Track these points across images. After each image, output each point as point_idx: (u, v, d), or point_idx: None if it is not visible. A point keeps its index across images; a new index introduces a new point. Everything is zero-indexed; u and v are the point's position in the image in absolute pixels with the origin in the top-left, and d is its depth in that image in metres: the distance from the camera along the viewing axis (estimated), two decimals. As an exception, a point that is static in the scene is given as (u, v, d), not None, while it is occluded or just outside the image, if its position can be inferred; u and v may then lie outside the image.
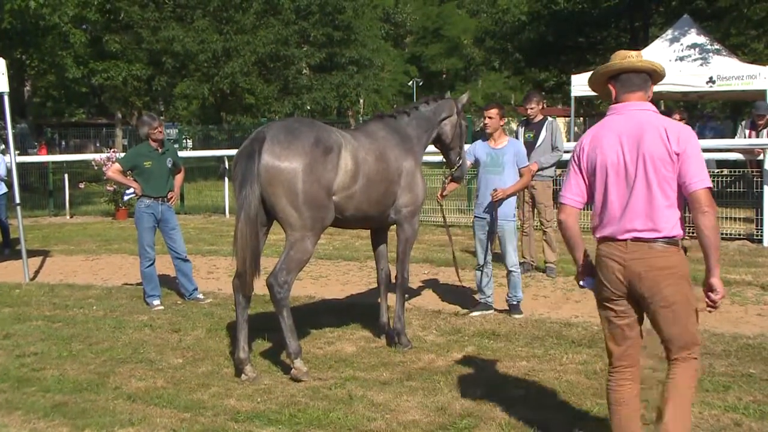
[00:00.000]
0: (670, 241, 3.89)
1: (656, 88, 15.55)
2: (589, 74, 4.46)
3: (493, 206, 7.94)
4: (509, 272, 8.08)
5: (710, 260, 3.81)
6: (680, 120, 12.90)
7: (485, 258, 8.11)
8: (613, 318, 4.07)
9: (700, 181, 3.79)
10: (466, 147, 8.08)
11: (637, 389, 4.14)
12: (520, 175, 8.06)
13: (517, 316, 7.96)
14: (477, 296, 8.37)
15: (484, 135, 8.28)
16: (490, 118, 8.06)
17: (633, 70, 4.11)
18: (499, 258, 8.31)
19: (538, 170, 9.73)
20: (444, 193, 7.96)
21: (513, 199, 8.15)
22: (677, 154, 3.84)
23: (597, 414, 5.09)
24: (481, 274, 8.14)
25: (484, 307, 8.15)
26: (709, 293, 3.85)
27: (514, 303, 8.08)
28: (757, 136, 12.38)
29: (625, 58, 4.14)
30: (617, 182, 3.97)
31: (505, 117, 8.28)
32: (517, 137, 9.85)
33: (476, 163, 8.21)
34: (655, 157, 3.87)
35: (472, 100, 56.41)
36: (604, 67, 4.21)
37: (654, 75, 4.16)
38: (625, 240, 3.92)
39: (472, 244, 9.37)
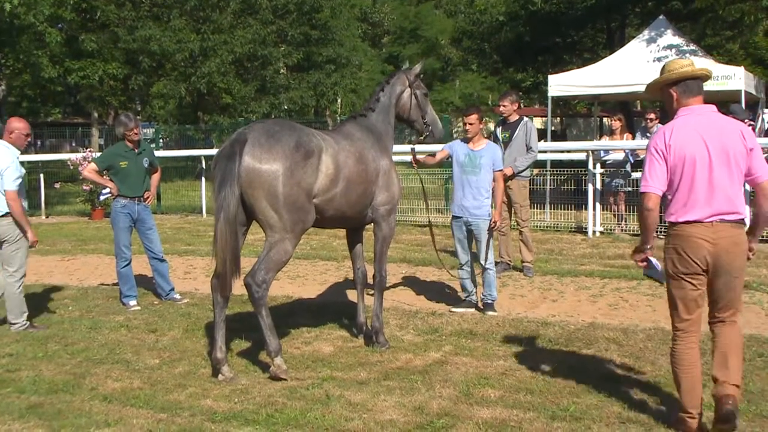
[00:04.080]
0: (744, 221, 4.71)
1: (633, 88, 15.62)
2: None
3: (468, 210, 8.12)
4: (484, 270, 8.13)
5: (756, 231, 4.81)
6: (655, 120, 13.00)
7: (466, 257, 8.18)
8: (691, 290, 4.73)
9: (765, 174, 4.66)
10: (441, 146, 8.07)
11: (699, 353, 4.82)
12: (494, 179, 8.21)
13: (490, 313, 8.02)
14: (461, 294, 8.44)
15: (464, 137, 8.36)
16: (470, 124, 8.14)
17: (692, 78, 4.81)
18: (475, 257, 8.35)
19: (515, 174, 9.75)
20: (419, 158, 7.99)
21: (488, 199, 8.20)
22: (750, 150, 4.65)
23: (574, 412, 5.13)
24: (464, 272, 8.21)
25: (467, 305, 8.22)
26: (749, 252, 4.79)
27: (489, 302, 8.16)
28: None
29: (682, 67, 4.83)
30: (703, 173, 4.62)
31: (484, 119, 8.34)
32: (495, 137, 9.90)
33: (452, 159, 8.28)
34: (736, 153, 4.63)
35: (449, 101, 56.39)
36: (668, 75, 4.85)
37: (705, 80, 4.88)
38: (712, 222, 4.62)
39: (450, 244, 9.40)
